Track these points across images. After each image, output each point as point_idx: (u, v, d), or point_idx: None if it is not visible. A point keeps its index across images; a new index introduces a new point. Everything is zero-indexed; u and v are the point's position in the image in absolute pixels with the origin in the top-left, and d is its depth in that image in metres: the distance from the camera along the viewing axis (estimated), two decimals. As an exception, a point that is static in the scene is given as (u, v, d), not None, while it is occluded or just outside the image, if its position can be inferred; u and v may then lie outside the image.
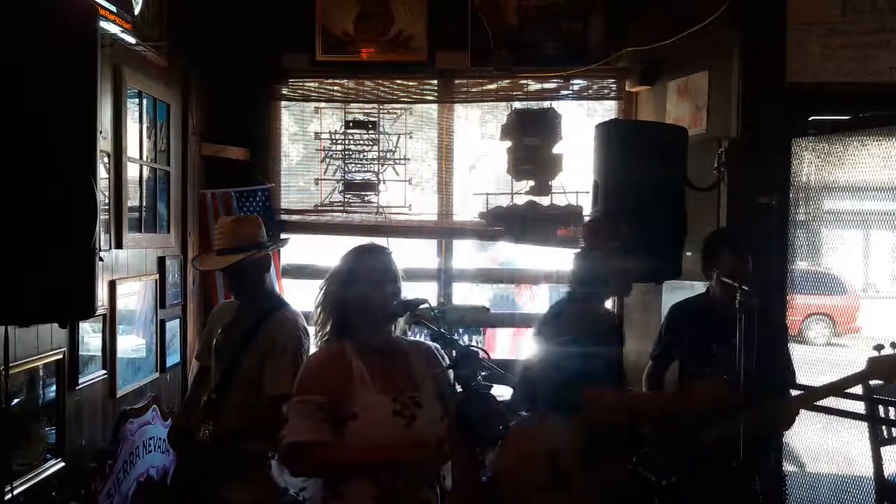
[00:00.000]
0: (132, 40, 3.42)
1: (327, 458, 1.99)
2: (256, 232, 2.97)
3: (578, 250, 2.73)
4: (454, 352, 1.96)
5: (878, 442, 3.28)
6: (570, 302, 2.68)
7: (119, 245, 3.49)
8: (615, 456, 2.55)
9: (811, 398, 2.69)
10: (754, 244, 2.95)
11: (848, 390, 2.67)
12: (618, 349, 2.79)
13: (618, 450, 2.56)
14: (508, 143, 4.45)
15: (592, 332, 2.56)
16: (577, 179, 4.45)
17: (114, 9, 3.11)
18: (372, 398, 2.03)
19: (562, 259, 4.24)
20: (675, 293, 3.01)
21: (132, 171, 3.68)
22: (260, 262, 2.93)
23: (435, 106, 4.79)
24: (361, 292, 2.10)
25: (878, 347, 2.53)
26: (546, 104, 4.60)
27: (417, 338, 2.59)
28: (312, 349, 2.91)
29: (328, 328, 2.17)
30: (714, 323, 2.79)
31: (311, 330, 2.59)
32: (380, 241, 2.51)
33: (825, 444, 3.44)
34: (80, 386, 3.16)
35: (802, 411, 2.92)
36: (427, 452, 1.99)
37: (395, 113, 4.76)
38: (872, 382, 3.08)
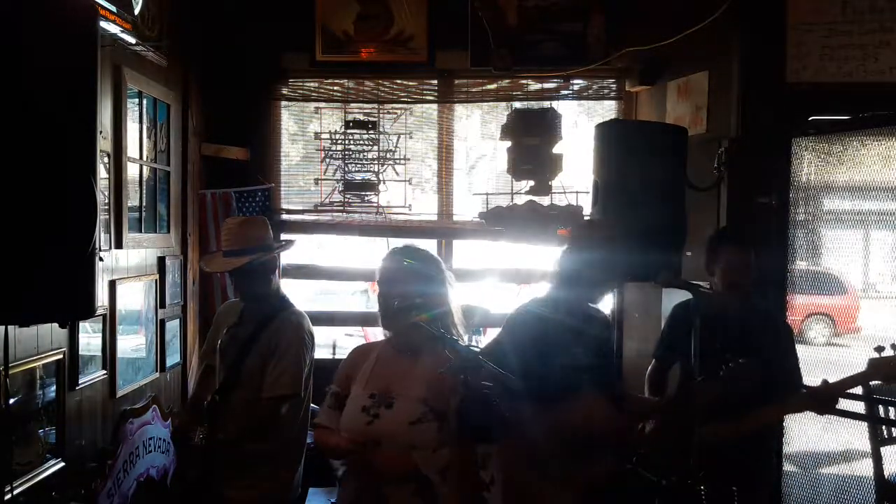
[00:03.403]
0: (132, 40, 3.42)
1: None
2: (263, 234, 2.97)
3: (566, 248, 2.66)
4: (454, 352, 1.97)
5: (878, 442, 3.28)
6: (554, 301, 2.61)
7: (119, 245, 3.49)
8: (599, 456, 2.54)
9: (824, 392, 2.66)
10: (754, 244, 2.94)
11: (848, 390, 2.67)
12: (608, 348, 2.79)
13: (601, 450, 2.54)
14: (508, 143, 4.45)
15: (577, 332, 2.54)
16: (577, 179, 4.45)
17: (114, 9, 3.11)
18: (356, 392, 2.21)
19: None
20: (675, 293, 3.01)
21: (132, 171, 3.67)
22: (266, 263, 2.93)
23: (435, 106, 4.79)
24: (381, 292, 2.25)
25: (879, 349, 2.53)
26: (546, 104, 4.60)
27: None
28: (317, 349, 2.98)
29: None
30: (717, 322, 2.78)
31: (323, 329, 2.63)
32: (382, 241, 2.57)
33: (825, 444, 3.44)
34: (80, 386, 3.16)
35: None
36: (374, 449, 2.07)
37: (395, 113, 4.76)
38: (872, 382, 3.08)
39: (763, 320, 2.89)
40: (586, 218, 3.34)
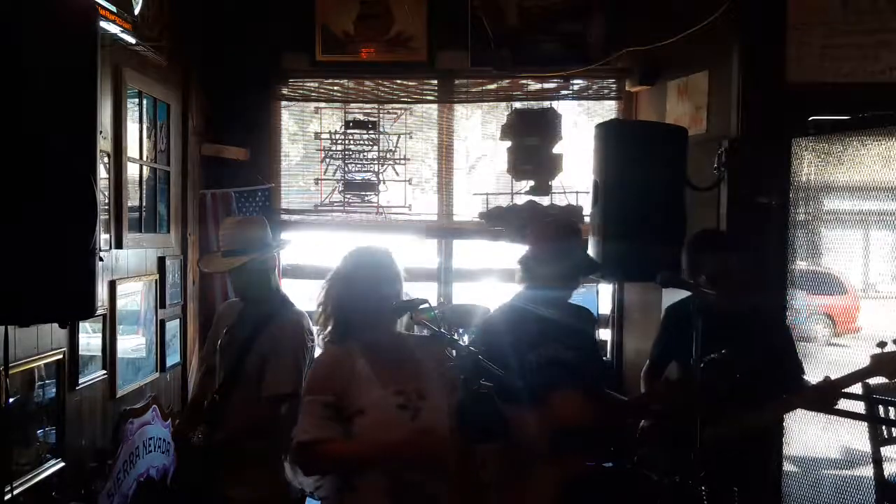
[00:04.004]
0: (132, 40, 3.42)
1: (330, 454, 2.02)
2: (261, 233, 2.98)
3: (529, 250, 2.74)
4: (454, 352, 1.97)
5: (878, 442, 3.28)
6: (526, 299, 2.69)
7: (119, 245, 3.49)
8: (578, 451, 2.55)
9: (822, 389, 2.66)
10: (753, 244, 2.93)
11: (848, 390, 2.66)
12: (588, 342, 2.82)
13: (581, 445, 2.55)
14: (508, 143, 4.45)
15: (552, 327, 2.59)
16: (577, 179, 4.45)
17: (114, 9, 3.11)
18: (377, 394, 2.06)
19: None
20: (675, 293, 3.00)
21: (132, 171, 3.68)
22: (265, 263, 2.93)
23: (435, 106, 4.79)
24: (358, 293, 2.14)
25: (882, 344, 2.52)
26: (546, 104, 4.61)
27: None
28: (317, 349, 2.93)
29: (329, 328, 2.19)
30: (712, 323, 2.77)
31: (315, 330, 2.60)
32: (379, 241, 2.53)
33: (825, 444, 3.43)
34: (80, 386, 3.16)
35: (801, 411, 2.93)
36: (432, 440, 1.99)
37: (395, 113, 4.76)
38: (872, 382, 3.08)
39: (761, 322, 2.88)
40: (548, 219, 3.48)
